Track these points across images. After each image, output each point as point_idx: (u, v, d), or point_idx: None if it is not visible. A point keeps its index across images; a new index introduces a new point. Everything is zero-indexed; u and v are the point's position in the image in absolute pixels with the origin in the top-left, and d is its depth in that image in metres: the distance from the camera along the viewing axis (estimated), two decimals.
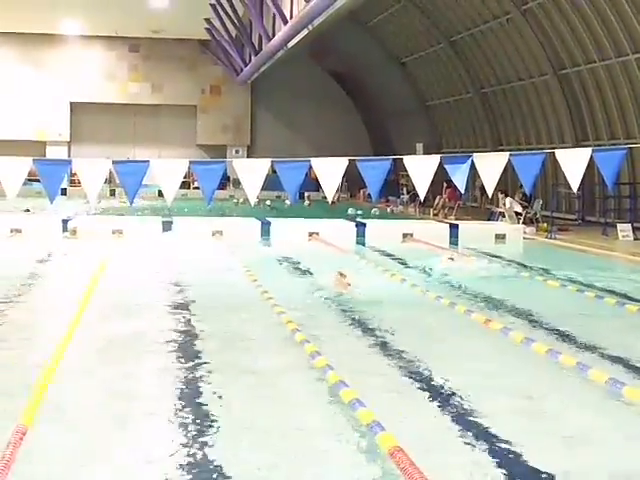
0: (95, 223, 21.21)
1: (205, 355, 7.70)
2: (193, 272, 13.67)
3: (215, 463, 5.00)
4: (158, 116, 44.44)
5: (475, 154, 11.87)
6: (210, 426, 5.66)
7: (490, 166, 11.83)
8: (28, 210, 25.23)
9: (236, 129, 44.89)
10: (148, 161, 11.80)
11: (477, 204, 33.06)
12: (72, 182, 36.77)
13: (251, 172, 11.76)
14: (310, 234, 19.86)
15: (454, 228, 20.82)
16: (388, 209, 32.31)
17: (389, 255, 17.17)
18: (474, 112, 33.29)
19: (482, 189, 28.10)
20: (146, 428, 5.74)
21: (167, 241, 18.37)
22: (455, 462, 5.16)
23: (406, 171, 12.66)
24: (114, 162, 11.89)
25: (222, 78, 43.95)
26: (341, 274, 11.97)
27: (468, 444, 5.45)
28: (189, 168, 12.55)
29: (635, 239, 20.64)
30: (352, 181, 37.13)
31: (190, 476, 4.80)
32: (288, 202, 33.53)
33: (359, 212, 28.66)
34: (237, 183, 36.57)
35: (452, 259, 15.31)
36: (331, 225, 21.29)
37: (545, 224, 23.15)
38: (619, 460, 5.22)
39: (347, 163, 11.80)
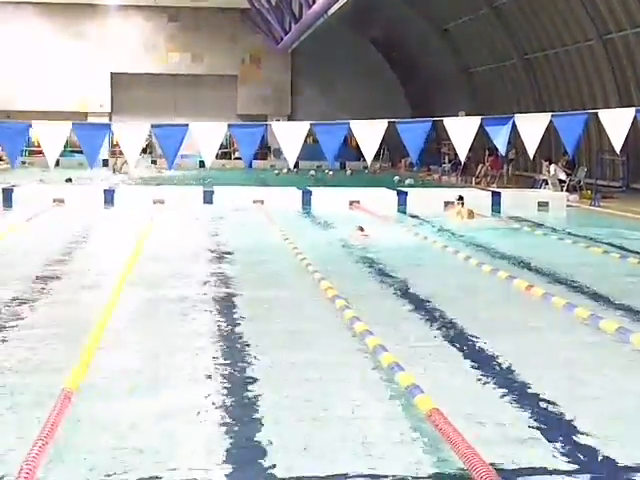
0: (136, 193, 21.36)
1: (242, 312, 7.74)
2: (234, 240, 13.71)
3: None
4: (198, 86, 44.49)
5: (517, 115, 11.69)
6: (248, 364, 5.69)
7: (531, 127, 11.66)
8: (70, 180, 25.46)
9: (276, 99, 44.82)
10: (187, 125, 11.79)
11: (520, 172, 32.73)
12: (113, 153, 37.08)
13: (290, 135, 11.70)
14: (351, 203, 19.81)
15: (496, 195, 20.65)
16: (431, 177, 32.15)
17: (430, 222, 17.07)
18: (517, 79, 32.86)
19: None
20: (188, 375, 5.80)
21: (208, 210, 18.44)
22: (487, 418, 5.13)
23: (448, 139, 12.55)
24: (153, 126, 11.89)
25: (262, 48, 43.82)
26: (361, 228, 13.76)
27: (506, 402, 5.42)
28: (228, 132, 12.52)
29: None
30: (393, 150, 37.01)
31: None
32: (331, 173, 33.54)
33: (405, 180, 28.46)
34: (278, 153, 36.68)
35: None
36: (372, 193, 21.20)
37: (589, 191, 22.86)
38: None
39: (386, 125, 11.69)
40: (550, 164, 24.32)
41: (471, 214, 16.68)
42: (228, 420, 5.09)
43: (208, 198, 19.96)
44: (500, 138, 11.61)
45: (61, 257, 11.57)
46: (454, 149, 13.69)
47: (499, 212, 19.59)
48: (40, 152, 16.59)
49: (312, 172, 32.79)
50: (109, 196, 19.66)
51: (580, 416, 5.20)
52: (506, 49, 32.56)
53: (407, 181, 28.32)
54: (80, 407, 5.17)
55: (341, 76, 43.94)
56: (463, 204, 16.95)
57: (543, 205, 20.30)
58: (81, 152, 12.75)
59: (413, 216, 18.30)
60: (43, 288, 9.25)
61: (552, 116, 11.77)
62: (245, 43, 44.28)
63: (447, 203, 20.02)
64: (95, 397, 5.48)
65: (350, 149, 32.68)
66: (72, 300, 8.84)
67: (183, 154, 35.83)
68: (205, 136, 11.94)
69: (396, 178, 28.30)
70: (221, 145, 40.47)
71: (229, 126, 12.26)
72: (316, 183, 26.10)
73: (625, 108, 13.04)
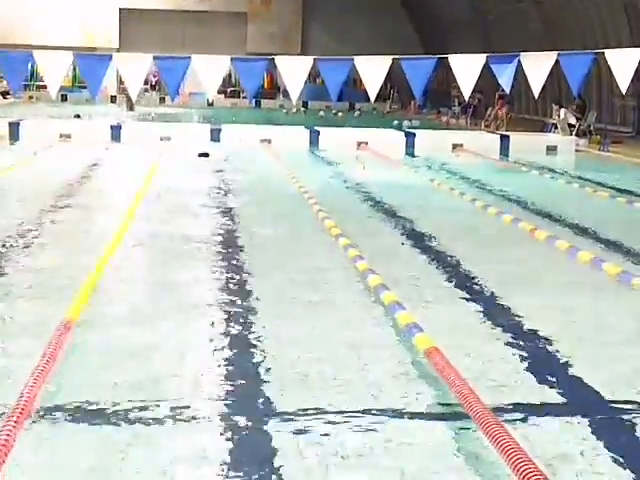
0: (143, 129, 21.27)
1: (245, 249, 7.77)
2: (239, 177, 13.70)
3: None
4: (207, 24, 44.03)
5: (522, 54, 11.58)
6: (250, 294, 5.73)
7: (537, 66, 11.53)
8: (78, 116, 25.39)
9: (286, 37, 44.35)
10: (189, 57, 11.68)
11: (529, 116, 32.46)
12: (123, 90, 36.85)
13: (293, 71, 11.60)
14: (359, 143, 19.73)
15: (505, 139, 20.54)
16: (442, 119, 31.94)
17: (437, 164, 17.00)
18: (530, 21, 32.38)
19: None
20: (191, 315, 5.84)
21: (214, 147, 18.38)
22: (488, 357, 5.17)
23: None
24: (155, 57, 11.78)
25: None
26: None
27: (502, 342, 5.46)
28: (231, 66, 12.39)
29: None
30: (403, 92, 36.72)
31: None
32: (340, 113, 33.34)
33: (403, 122, 28.22)
34: (287, 93, 36.49)
35: None
36: (380, 135, 21.10)
37: (598, 136, 22.71)
38: None
39: (390, 62, 11.58)
40: (560, 108, 24.12)
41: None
42: (226, 351, 5.13)
43: (215, 136, 19.88)
44: (505, 77, 11.50)
45: (65, 193, 11.57)
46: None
47: (507, 156, 19.50)
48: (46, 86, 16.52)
49: (321, 112, 32.59)
50: (116, 132, 19.59)
51: (579, 357, 5.23)
52: None
53: (405, 123, 27.96)
54: (81, 336, 5.22)
55: (353, 17, 43.35)
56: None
57: (552, 149, 20.20)
58: None
59: (421, 158, 18.22)
60: (48, 221, 9.28)
61: (558, 55, 11.64)
62: None
63: (455, 146, 19.95)
64: (96, 327, 5.54)
65: (359, 90, 32.43)
66: (76, 235, 8.88)
67: (191, 92, 35.82)
68: (207, 69, 11.84)
69: (395, 122, 27.99)
70: (230, 83, 40.06)
71: (232, 59, 12.14)
72: (324, 123, 25.94)
73: (633, 48, 12.90)
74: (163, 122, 24.13)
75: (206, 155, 16.17)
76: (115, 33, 43.57)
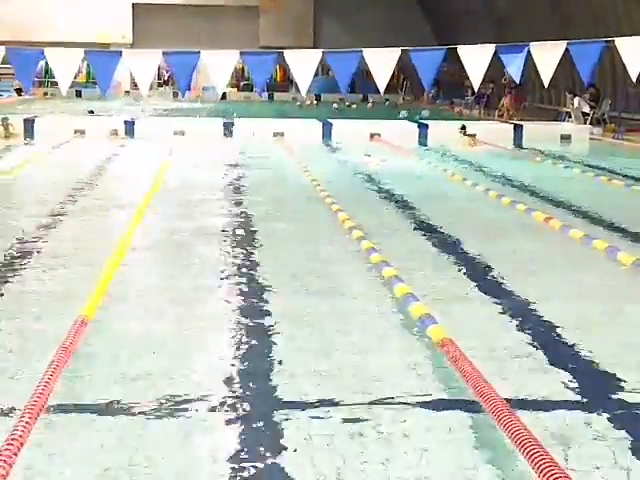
0: (157, 124, 21.33)
1: (258, 242, 7.80)
2: (253, 171, 13.72)
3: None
4: (220, 17, 44.00)
5: (532, 43, 11.56)
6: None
7: (547, 56, 11.51)
8: (92, 112, 25.45)
9: (298, 31, 44.26)
10: (199, 52, 11.71)
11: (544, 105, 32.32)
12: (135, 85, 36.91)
13: (302, 64, 11.62)
14: (372, 135, 19.73)
15: (518, 129, 20.48)
16: (455, 109, 31.85)
17: (450, 154, 16.97)
18: (542, 10, 32.22)
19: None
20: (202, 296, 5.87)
21: (228, 142, 18.43)
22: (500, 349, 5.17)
23: None
24: (164, 53, 11.82)
25: None
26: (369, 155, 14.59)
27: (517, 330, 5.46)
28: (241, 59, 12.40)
29: None
30: (415, 84, 36.60)
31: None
32: (354, 105, 33.32)
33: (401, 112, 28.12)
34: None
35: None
36: (393, 126, 21.09)
37: (613, 124, 22.60)
38: None
39: (399, 53, 11.58)
40: (574, 97, 24.01)
41: (473, 140, 16.30)
42: (240, 344, 5.16)
43: (228, 130, 19.90)
44: (514, 67, 11.49)
45: (80, 188, 11.62)
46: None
47: (521, 145, 19.46)
48: None
49: (335, 104, 32.56)
50: (130, 127, 19.66)
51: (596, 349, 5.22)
52: None
53: (422, 113, 27.86)
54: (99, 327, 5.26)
55: (366, 10, 43.18)
56: (465, 133, 16.63)
57: (566, 138, 20.14)
58: None
59: (434, 148, 18.20)
60: (62, 218, 9.33)
61: (568, 44, 11.62)
62: None
63: (468, 136, 19.90)
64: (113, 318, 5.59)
65: (372, 82, 32.33)
66: (92, 228, 8.94)
67: (204, 86, 35.85)
68: (217, 64, 11.87)
69: (403, 112, 27.87)
70: (243, 77, 39.92)
71: (241, 54, 12.16)
72: (338, 115, 25.93)
73: None
74: (176, 117, 24.16)
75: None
76: (129, 29, 43.63)
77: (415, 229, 9.08)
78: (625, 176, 13.52)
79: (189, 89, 11.30)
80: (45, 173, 13.54)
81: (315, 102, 35.55)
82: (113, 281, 6.48)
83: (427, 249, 8.06)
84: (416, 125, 20.75)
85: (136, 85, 35.63)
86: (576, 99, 23.87)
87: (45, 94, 37.91)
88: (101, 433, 3.92)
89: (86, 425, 4.01)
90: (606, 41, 11.61)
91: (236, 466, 3.60)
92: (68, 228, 8.88)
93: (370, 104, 35.70)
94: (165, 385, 4.49)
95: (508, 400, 4.07)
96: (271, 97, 39.38)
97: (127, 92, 37.67)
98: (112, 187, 12.41)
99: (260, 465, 3.61)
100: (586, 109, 23.66)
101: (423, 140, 19.72)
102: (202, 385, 4.51)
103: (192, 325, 5.58)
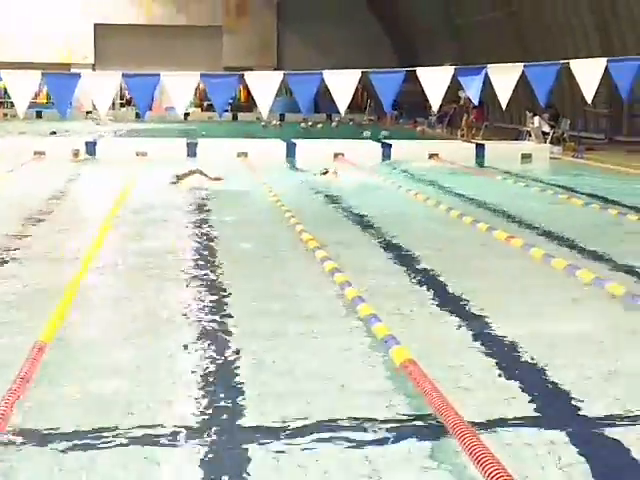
0: (119, 145, 21.23)
1: (220, 262, 7.78)
2: (217, 192, 13.70)
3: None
4: (183, 38, 43.94)
5: (489, 65, 11.72)
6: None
7: (504, 78, 11.67)
8: (54, 133, 25.28)
9: (262, 51, 44.35)
10: (159, 74, 11.71)
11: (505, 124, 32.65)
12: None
13: (263, 85, 11.67)
14: (336, 155, 19.79)
15: (480, 148, 20.67)
16: (419, 129, 32.05)
17: (413, 174, 17.07)
18: (502, 31, 32.60)
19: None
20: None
21: (192, 162, 18.36)
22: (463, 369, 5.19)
23: None
24: (124, 75, 11.79)
25: None
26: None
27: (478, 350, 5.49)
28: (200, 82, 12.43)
29: None
30: (380, 103, 36.79)
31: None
32: (320, 125, 33.41)
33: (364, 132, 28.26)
34: None
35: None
36: (357, 145, 21.20)
37: (572, 143, 22.89)
38: None
39: (359, 75, 11.70)
40: (534, 116, 24.26)
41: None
42: (203, 366, 5.14)
43: (192, 151, 19.85)
44: (473, 88, 11.63)
45: (40, 209, 11.52)
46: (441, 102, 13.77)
47: (483, 164, 19.64)
48: None
49: (302, 124, 32.62)
50: (91, 148, 19.55)
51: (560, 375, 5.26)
52: (492, 1, 32.29)
53: (369, 133, 27.88)
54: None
55: (329, 28, 43.35)
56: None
57: (526, 157, 20.35)
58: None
59: (397, 168, 18.29)
60: (21, 239, 9.25)
61: (524, 66, 11.79)
62: None
63: (431, 155, 20.06)
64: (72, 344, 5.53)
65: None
66: (49, 252, 8.86)
67: (167, 106, 35.72)
68: (177, 85, 11.87)
69: (366, 133, 27.98)
70: (207, 97, 39.65)
71: (201, 76, 12.18)
72: (303, 135, 25.98)
73: (597, 58, 13.06)
74: (139, 137, 24.04)
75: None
76: (90, 49, 43.44)
77: (378, 248, 9.11)
78: (584, 194, 13.68)
79: (150, 109, 11.29)
80: (3, 195, 13.38)
81: (279, 122, 35.58)
82: (71, 305, 6.43)
83: (390, 269, 8.09)
84: (379, 145, 20.86)
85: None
86: (536, 118, 24.14)
87: (5, 115, 37.59)
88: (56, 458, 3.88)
89: (42, 452, 3.96)
90: (562, 63, 11.79)
91: None
92: (26, 250, 8.79)
93: (335, 124, 35.82)
94: (123, 411, 4.45)
95: (472, 422, 4.10)
96: (235, 117, 39.39)
97: (89, 113, 37.42)
98: (70, 209, 12.32)
99: None
100: (546, 128, 23.93)
101: (386, 159, 19.84)
102: (160, 409, 4.47)
103: (152, 348, 5.54)
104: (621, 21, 24.83)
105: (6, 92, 36.90)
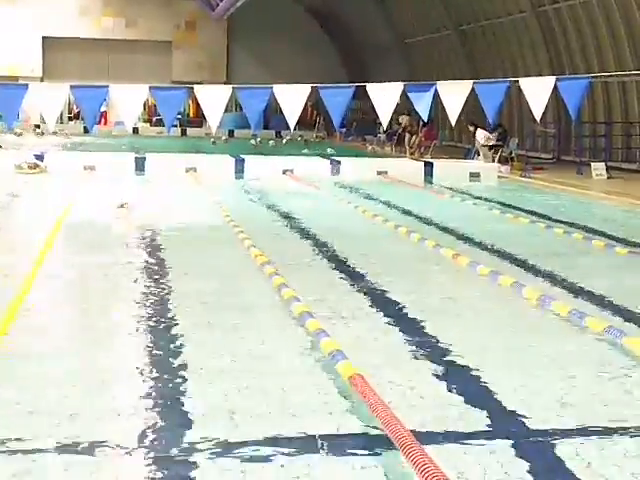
0: (67, 158, 21.00)
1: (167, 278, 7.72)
2: (165, 208, 13.61)
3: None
4: (133, 52, 43.72)
5: (438, 82, 11.83)
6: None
7: (453, 94, 11.79)
8: (0, 146, 24.92)
9: (212, 66, 44.27)
10: (107, 86, 11.62)
11: (454, 143, 32.99)
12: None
13: (212, 98, 11.64)
14: (284, 171, 19.81)
15: (428, 166, 20.83)
16: (369, 147, 32.18)
17: (362, 191, 17.13)
18: (452, 50, 33.03)
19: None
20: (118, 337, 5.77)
21: (139, 177, 18.25)
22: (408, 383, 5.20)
23: None
24: (72, 87, 11.67)
25: (197, 13, 43.18)
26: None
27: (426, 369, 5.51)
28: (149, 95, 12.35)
29: (608, 178, 20.72)
30: (329, 120, 36.92)
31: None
32: (272, 142, 33.38)
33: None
34: None
35: None
36: (306, 162, 21.24)
37: (520, 162, 23.17)
38: None
39: (309, 90, 11.73)
40: (476, 128, 24.26)
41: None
42: (151, 383, 5.08)
43: (140, 165, 19.69)
44: (422, 105, 11.73)
45: None
46: (391, 119, 13.87)
47: (431, 182, 19.79)
48: None
49: (252, 141, 32.55)
50: (39, 161, 19.27)
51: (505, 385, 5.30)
52: (441, 19, 32.70)
53: (318, 150, 27.98)
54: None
55: (278, 44, 43.47)
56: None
57: (475, 176, 20.53)
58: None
59: (346, 185, 18.36)
60: None
61: (474, 83, 11.93)
62: (180, 8, 43.58)
63: (379, 172, 20.17)
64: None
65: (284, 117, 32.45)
66: None
67: (116, 120, 35.47)
68: (126, 98, 11.79)
69: (305, 150, 28.07)
70: (156, 112, 39.29)
71: (150, 88, 12.11)
72: (251, 152, 25.96)
73: (546, 77, 13.28)
74: (87, 151, 23.81)
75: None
76: (38, 62, 42.95)
77: (326, 264, 9.12)
78: (530, 212, 13.85)
79: (98, 123, 11.21)
80: None
81: (226, 138, 35.49)
82: (14, 323, 6.32)
83: (339, 284, 8.09)
84: (328, 161, 20.93)
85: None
86: (478, 131, 24.11)
87: None
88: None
89: None
90: (510, 81, 11.96)
91: None
92: None
93: (284, 141, 35.84)
94: (70, 424, 4.38)
95: (415, 432, 4.10)
96: (184, 132, 39.25)
97: (37, 126, 37.01)
98: (15, 222, 12.14)
99: None
100: (491, 141, 23.95)
101: (336, 176, 19.90)
102: (109, 423, 4.42)
103: (98, 363, 5.48)
104: (570, 39, 25.28)
105: None
